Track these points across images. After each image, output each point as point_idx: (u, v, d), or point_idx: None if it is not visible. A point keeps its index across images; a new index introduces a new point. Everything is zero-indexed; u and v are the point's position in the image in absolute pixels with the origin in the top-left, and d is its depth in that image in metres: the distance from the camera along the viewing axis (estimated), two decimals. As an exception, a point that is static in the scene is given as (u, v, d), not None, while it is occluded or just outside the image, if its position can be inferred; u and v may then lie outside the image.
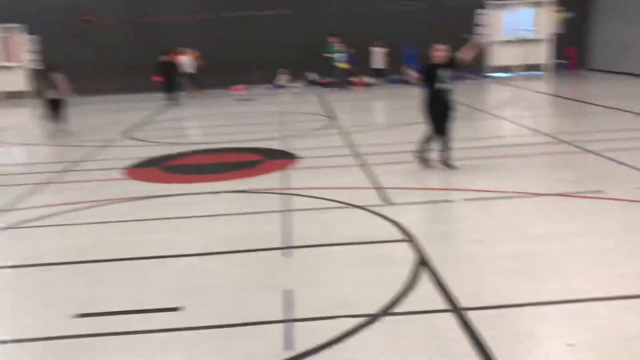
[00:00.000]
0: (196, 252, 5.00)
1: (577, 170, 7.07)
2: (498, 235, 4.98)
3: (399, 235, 5.11)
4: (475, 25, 7.34)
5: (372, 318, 3.67)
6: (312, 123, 11.88)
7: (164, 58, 16.57)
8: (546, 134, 9.41)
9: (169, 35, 19.38)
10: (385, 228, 5.33)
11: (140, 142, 10.72)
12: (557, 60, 19.92)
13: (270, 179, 7.51)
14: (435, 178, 7.14)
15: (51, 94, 11.54)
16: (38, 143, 11.79)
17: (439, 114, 7.39)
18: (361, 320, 3.63)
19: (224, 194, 6.88)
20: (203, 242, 5.26)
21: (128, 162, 8.88)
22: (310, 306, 3.88)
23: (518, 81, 18.66)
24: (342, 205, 6.12)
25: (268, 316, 3.79)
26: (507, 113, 12.61)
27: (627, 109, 11.33)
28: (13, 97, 19.82)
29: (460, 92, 15.99)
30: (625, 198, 5.79)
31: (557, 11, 19.99)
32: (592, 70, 19.75)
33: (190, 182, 7.58)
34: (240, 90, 19.62)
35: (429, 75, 7.36)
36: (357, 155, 8.66)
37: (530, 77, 19.64)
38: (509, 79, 19.37)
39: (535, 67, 20.42)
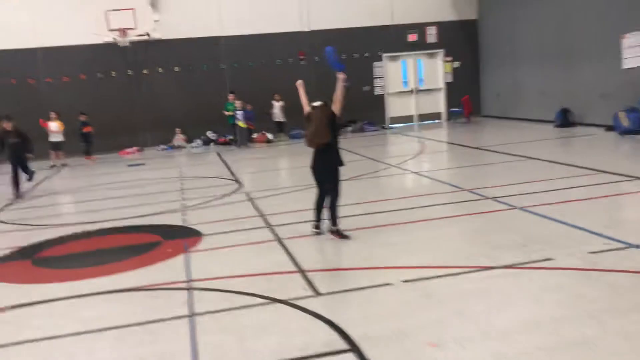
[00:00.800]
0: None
1: (513, 233, 6.46)
2: (459, 332, 4.10)
3: (340, 342, 4.10)
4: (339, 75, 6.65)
5: None
6: (215, 189, 10.74)
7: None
8: (464, 189, 8.91)
9: (51, 97, 17.61)
10: (321, 332, 4.30)
11: (8, 226, 9.04)
12: (452, 109, 20.23)
13: (169, 268, 6.27)
14: (354, 251, 6.26)
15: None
16: None
17: (321, 169, 6.81)
18: None
19: (108, 295, 5.56)
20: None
21: (-9, 256, 7.29)
22: None
23: (417, 131, 18.64)
24: (261, 300, 5.03)
25: None
26: (416, 166, 12.19)
27: (534, 157, 11.24)
28: None
29: (361, 146, 16.00)
30: (582, 267, 5.18)
31: (446, 61, 20.47)
32: (487, 116, 20.22)
33: (66, 279, 6.16)
34: (131, 154, 18.08)
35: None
36: (267, 226, 7.64)
37: (428, 126, 19.75)
38: (408, 129, 19.34)
39: (432, 117, 20.65)
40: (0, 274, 6.60)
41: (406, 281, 5.19)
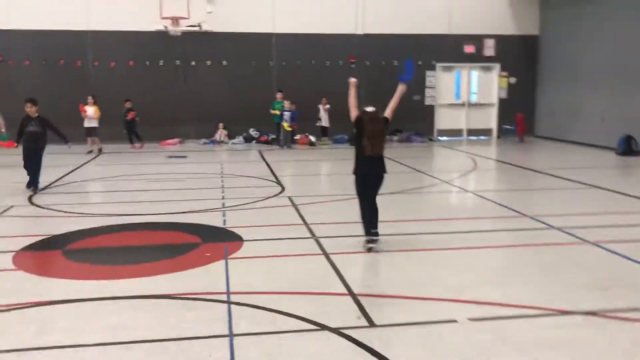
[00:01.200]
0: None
1: (589, 272, 5.77)
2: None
3: (401, 391, 3.53)
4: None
5: None
6: (256, 190, 10.27)
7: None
8: (525, 215, 8.20)
9: (97, 82, 17.47)
10: (378, 374, 3.74)
11: (43, 211, 8.70)
12: (505, 126, 19.40)
13: (207, 275, 5.78)
14: (409, 276, 5.66)
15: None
16: None
17: (373, 178, 6.57)
18: None
19: (140, 300, 5.09)
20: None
21: (25, 241, 6.91)
22: None
23: (465, 145, 17.87)
24: (309, 326, 4.48)
25: None
26: (469, 184, 11.49)
27: (598, 185, 10.44)
28: None
29: (408, 156, 15.33)
30: (680, 323, 4.49)
31: (503, 76, 19.66)
32: (540, 137, 19.32)
33: (97, 276, 5.72)
34: (172, 145, 17.80)
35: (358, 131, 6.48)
36: (312, 237, 7.10)
37: (477, 141, 18.96)
38: (456, 143, 18.58)
39: (481, 132, 19.85)
40: (29, 264, 6.21)
41: (474, 319, 4.57)
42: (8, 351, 4.10)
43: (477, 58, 19.38)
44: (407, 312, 4.81)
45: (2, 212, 8.44)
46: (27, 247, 6.72)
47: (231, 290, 5.30)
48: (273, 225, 7.76)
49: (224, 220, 8.02)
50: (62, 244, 6.84)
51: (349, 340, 4.21)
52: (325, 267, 5.98)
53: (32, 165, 10.12)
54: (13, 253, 6.43)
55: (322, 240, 6.92)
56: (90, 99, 15.67)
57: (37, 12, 16.92)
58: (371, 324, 4.52)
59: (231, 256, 6.34)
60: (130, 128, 16.81)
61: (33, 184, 10.13)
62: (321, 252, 6.47)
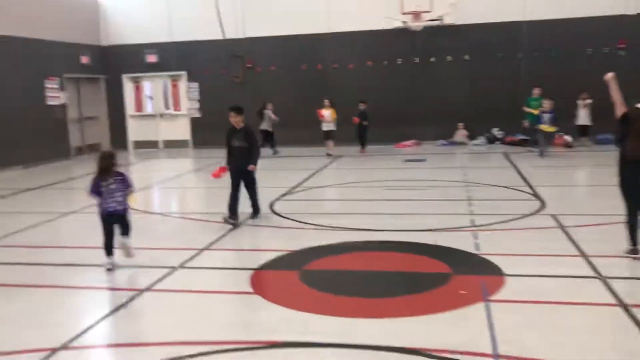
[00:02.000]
0: None
1: None
2: None
3: None
4: None
5: None
6: (509, 205, 8.80)
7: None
8: None
9: (335, 83, 17.51)
10: None
11: (283, 221, 8.40)
12: None
13: (464, 323, 4.62)
14: None
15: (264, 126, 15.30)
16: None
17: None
18: None
19: (384, 354, 4.12)
20: None
21: (263, 258, 6.55)
22: None
23: None
24: None
25: None
26: None
27: None
28: (172, 146, 19.20)
29: None
30: None
31: None
32: None
33: (334, 312, 4.92)
34: (408, 147, 17.00)
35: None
36: (597, 276, 5.48)
37: None
38: None
39: None
40: (266, 287, 5.73)
41: None
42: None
43: None
44: None
45: (245, 219, 8.33)
46: (265, 264, 6.31)
47: (500, 350, 4.06)
48: (538, 255, 6.29)
49: (476, 244, 6.76)
50: (300, 263, 6.28)
51: None
52: (626, 326, 4.39)
53: (248, 190, 8.20)
54: (251, 272, 6.05)
55: (612, 282, 5.27)
56: (326, 102, 15.57)
57: (281, 18, 17.47)
58: None
59: (492, 297, 5.08)
60: (360, 132, 16.00)
61: (255, 211, 8.38)
62: (615, 302, 4.86)
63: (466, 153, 15.80)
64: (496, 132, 16.89)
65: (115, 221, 6.24)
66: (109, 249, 6.23)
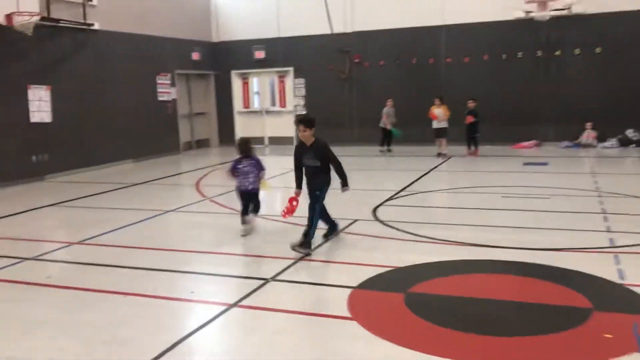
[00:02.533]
0: None
1: None
2: None
3: None
4: None
5: None
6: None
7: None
8: None
9: (448, 79, 16.43)
10: None
11: (386, 230, 7.62)
12: None
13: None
14: None
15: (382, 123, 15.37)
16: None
17: None
18: None
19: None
20: None
21: (365, 272, 5.83)
22: None
23: None
24: None
25: None
26: None
27: None
28: (276, 142, 19.00)
29: None
30: None
31: None
32: None
33: (451, 354, 4.08)
34: (528, 148, 15.58)
35: None
36: None
37: None
38: None
39: None
40: (365, 311, 4.97)
41: None
42: None
43: None
44: None
45: (346, 227, 7.66)
46: (366, 282, 5.58)
47: None
48: None
49: (619, 271, 5.63)
50: (406, 284, 5.50)
51: None
52: None
53: (312, 213, 6.69)
54: (350, 290, 5.36)
55: None
56: (437, 101, 14.50)
57: (392, 11, 16.66)
58: None
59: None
60: (470, 132, 14.75)
61: (304, 236, 6.60)
62: None
63: (595, 157, 14.15)
64: (631, 133, 15.04)
65: (249, 198, 7.36)
66: (243, 217, 7.38)
